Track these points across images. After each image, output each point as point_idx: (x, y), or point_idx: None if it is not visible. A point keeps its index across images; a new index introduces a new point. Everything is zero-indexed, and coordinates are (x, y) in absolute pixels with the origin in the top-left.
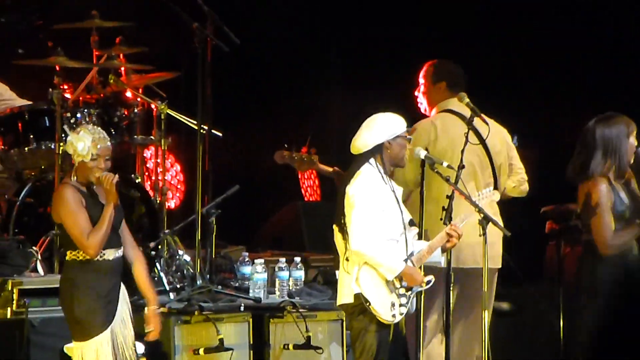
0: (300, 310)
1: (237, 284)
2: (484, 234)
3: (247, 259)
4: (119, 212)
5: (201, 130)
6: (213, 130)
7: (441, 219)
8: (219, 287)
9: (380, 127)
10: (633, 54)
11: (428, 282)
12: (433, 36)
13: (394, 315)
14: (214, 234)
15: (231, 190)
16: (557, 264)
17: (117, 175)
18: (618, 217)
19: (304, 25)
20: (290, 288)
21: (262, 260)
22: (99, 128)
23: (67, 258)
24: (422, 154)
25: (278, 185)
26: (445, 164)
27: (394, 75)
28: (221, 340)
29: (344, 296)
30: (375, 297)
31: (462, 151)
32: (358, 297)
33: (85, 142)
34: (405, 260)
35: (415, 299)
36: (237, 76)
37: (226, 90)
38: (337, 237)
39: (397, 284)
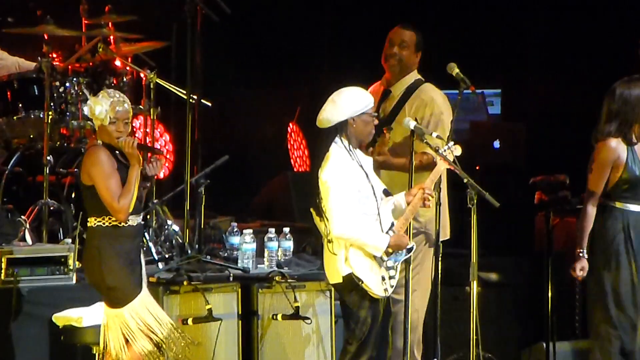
0: (289, 280)
1: (225, 254)
2: (473, 204)
3: (236, 229)
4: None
5: (190, 100)
6: (202, 100)
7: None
8: (208, 257)
9: (344, 103)
10: (621, 25)
11: (410, 250)
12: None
13: (385, 290)
14: (203, 204)
15: (220, 161)
16: (546, 234)
17: (136, 138)
18: (633, 182)
19: None
20: (279, 258)
21: (251, 231)
22: (119, 92)
23: (90, 225)
24: (412, 124)
25: (268, 155)
26: (434, 134)
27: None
28: (210, 310)
29: (333, 277)
30: (366, 274)
31: (452, 122)
32: (349, 276)
33: (103, 106)
34: (387, 232)
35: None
36: (228, 46)
37: (216, 60)
38: (316, 219)
39: (385, 257)
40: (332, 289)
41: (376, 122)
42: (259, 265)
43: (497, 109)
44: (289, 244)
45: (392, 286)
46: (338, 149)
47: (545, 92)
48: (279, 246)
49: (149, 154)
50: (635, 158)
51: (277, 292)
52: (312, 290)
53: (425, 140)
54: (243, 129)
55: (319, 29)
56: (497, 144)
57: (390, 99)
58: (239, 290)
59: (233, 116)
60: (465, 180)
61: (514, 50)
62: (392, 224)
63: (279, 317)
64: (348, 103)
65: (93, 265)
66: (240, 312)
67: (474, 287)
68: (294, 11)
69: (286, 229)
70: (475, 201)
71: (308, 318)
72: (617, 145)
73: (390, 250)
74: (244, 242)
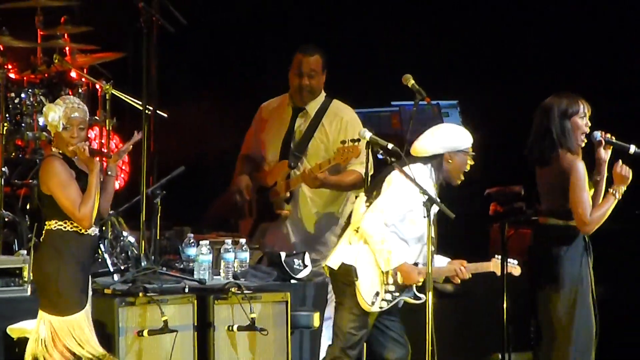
0: (245, 291)
1: (182, 266)
2: (428, 216)
3: (192, 241)
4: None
5: (146, 111)
6: (158, 111)
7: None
8: (164, 268)
9: (444, 137)
10: (577, 33)
11: (417, 297)
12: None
13: (373, 303)
14: (159, 215)
15: (176, 172)
16: (501, 245)
17: (86, 143)
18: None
19: (251, 6)
20: (236, 269)
21: (207, 242)
22: (77, 98)
23: (50, 227)
24: (368, 135)
25: (224, 166)
26: (390, 145)
27: (343, 57)
28: (165, 322)
29: (334, 262)
30: (364, 277)
31: (409, 132)
32: (349, 268)
33: (56, 112)
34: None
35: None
36: (184, 57)
37: (173, 71)
38: (358, 206)
39: (390, 280)
40: (288, 300)
41: (472, 163)
42: (215, 277)
43: (454, 120)
44: (246, 255)
45: (380, 307)
46: (423, 168)
47: (501, 103)
48: (235, 257)
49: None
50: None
51: (233, 303)
52: (269, 301)
53: (380, 152)
54: (199, 140)
55: (275, 40)
56: None
57: (305, 116)
58: (195, 301)
59: (189, 127)
60: (420, 192)
61: (470, 61)
62: (416, 264)
63: (235, 328)
64: (448, 137)
65: (48, 265)
66: (196, 324)
67: (430, 298)
68: (251, 22)
69: (242, 240)
70: (431, 212)
71: (264, 329)
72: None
73: (398, 276)
74: (200, 253)
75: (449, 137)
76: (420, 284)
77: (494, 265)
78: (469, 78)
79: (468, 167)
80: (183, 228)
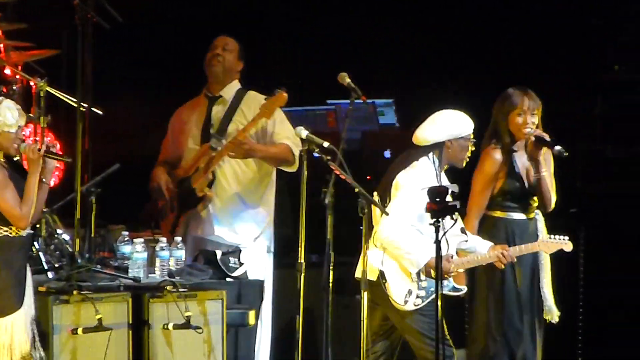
0: (180, 289)
1: (116, 264)
2: (364, 213)
3: (127, 238)
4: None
5: (81, 109)
6: (93, 109)
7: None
8: (98, 266)
9: (444, 125)
10: (511, 35)
11: (457, 290)
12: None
13: (406, 302)
14: (94, 212)
15: (111, 169)
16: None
17: (36, 143)
18: (515, 192)
19: (187, 3)
20: (171, 267)
21: (142, 240)
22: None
23: None
24: (304, 133)
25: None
26: (326, 144)
27: (278, 55)
28: (100, 320)
29: (367, 272)
30: (393, 278)
31: (345, 130)
32: (375, 271)
33: (12, 112)
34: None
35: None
36: (120, 54)
37: (109, 68)
38: (375, 211)
39: (422, 276)
40: (224, 298)
41: (473, 148)
42: (150, 275)
43: (389, 119)
44: (181, 253)
45: (415, 305)
46: (427, 162)
47: (436, 101)
48: (170, 255)
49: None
50: (516, 167)
51: (169, 301)
52: (204, 299)
53: (316, 150)
54: (135, 138)
55: (210, 38)
56: (387, 153)
57: (222, 103)
58: (130, 299)
59: (125, 125)
60: (356, 190)
61: (406, 59)
62: (453, 256)
63: (170, 326)
64: (448, 124)
65: None
66: (131, 322)
67: (365, 296)
68: (188, 20)
69: (178, 238)
70: (366, 210)
71: (199, 327)
72: (498, 156)
73: (429, 271)
74: (135, 251)
75: (450, 124)
76: (455, 273)
77: (542, 245)
78: (405, 76)
79: (469, 152)
80: (118, 226)
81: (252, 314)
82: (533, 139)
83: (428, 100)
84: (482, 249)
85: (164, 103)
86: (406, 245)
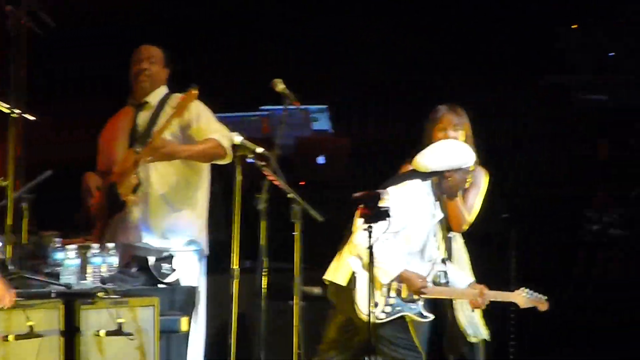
0: (113, 296)
1: (48, 270)
2: (297, 220)
3: (59, 245)
4: None
5: (13, 115)
6: (26, 115)
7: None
8: (30, 273)
9: (446, 156)
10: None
11: (424, 317)
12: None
13: (373, 313)
14: (26, 219)
15: (43, 176)
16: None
17: None
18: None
19: (125, 7)
20: (103, 274)
21: (74, 246)
22: None
23: None
24: (238, 139)
25: (92, 170)
26: (260, 150)
27: (210, 62)
28: (31, 327)
29: (336, 276)
30: (362, 286)
31: (279, 136)
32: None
33: None
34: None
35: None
36: (54, 59)
37: (43, 73)
38: (358, 217)
39: (393, 293)
40: (156, 304)
41: (471, 181)
42: (82, 281)
43: (323, 125)
44: (113, 260)
45: (378, 319)
46: (423, 185)
47: (370, 108)
48: (103, 262)
49: None
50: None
51: (101, 308)
52: (136, 306)
53: (250, 156)
54: (69, 144)
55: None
56: (321, 159)
57: (147, 108)
58: (62, 306)
59: (60, 131)
60: (289, 195)
61: (340, 66)
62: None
63: (102, 333)
64: (451, 156)
65: None
66: (62, 329)
67: (297, 302)
68: (125, 23)
69: (110, 244)
70: (299, 216)
71: (131, 334)
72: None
73: (402, 287)
74: (67, 257)
75: (452, 155)
76: (425, 294)
77: (517, 296)
78: (338, 83)
79: (467, 184)
80: (50, 232)
81: (184, 320)
82: None
83: (362, 107)
84: (462, 284)
85: (98, 108)
86: (380, 255)
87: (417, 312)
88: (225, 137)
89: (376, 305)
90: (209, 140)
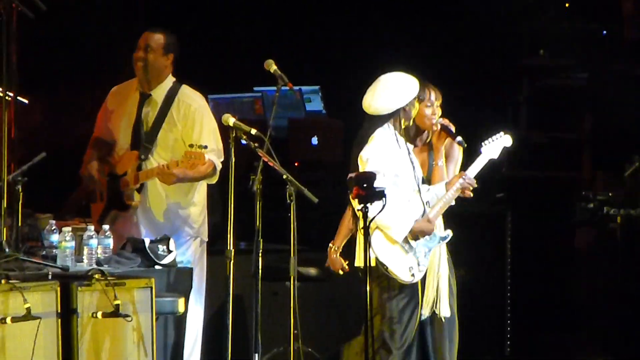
0: (109, 278)
1: (44, 253)
2: (292, 200)
3: (54, 227)
4: None
5: (6, 98)
6: (19, 98)
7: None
8: (26, 255)
9: (400, 90)
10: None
11: (444, 238)
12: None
13: (413, 275)
14: (21, 201)
15: (37, 158)
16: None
17: None
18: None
19: None
20: (99, 256)
21: (69, 228)
22: None
23: None
24: (231, 120)
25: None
26: (253, 131)
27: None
28: (28, 309)
29: (361, 259)
30: (391, 259)
31: (272, 117)
32: (375, 261)
33: None
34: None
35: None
36: (45, 42)
37: (36, 57)
38: (353, 202)
39: (413, 243)
40: (153, 286)
41: (436, 113)
42: (78, 263)
43: (316, 106)
44: (109, 242)
45: (420, 271)
46: (384, 131)
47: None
48: (98, 244)
49: None
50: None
51: (97, 290)
52: (133, 287)
53: (244, 138)
54: (63, 126)
55: (134, 26)
56: (315, 140)
57: (152, 104)
58: (58, 288)
59: (53, 114)
60: (284, 176)
61: (332, 46)
62: (424, 212)
63: (99, 315)
64: (404, 89)
65: None
66: (59, 311)
67: (293, 283)
68: (115, 10)
69: (106, 227)
70: (294, 197)
71: (128, 315)
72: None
73: (415, 236)
74: (63, 239)
75: (405, 88)
76: (434, 225)
77: (485, 151)
78: (331, 63)
79: (435, 115)
80: (45, 214)
81: (181, 301)
82: (438, 127)
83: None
84: (441, 191)
85: (89, 91)
86: (386, 218)
87: (438, 240)
88: (218, 157)
89: (411, 268)
90: (207, 162)
